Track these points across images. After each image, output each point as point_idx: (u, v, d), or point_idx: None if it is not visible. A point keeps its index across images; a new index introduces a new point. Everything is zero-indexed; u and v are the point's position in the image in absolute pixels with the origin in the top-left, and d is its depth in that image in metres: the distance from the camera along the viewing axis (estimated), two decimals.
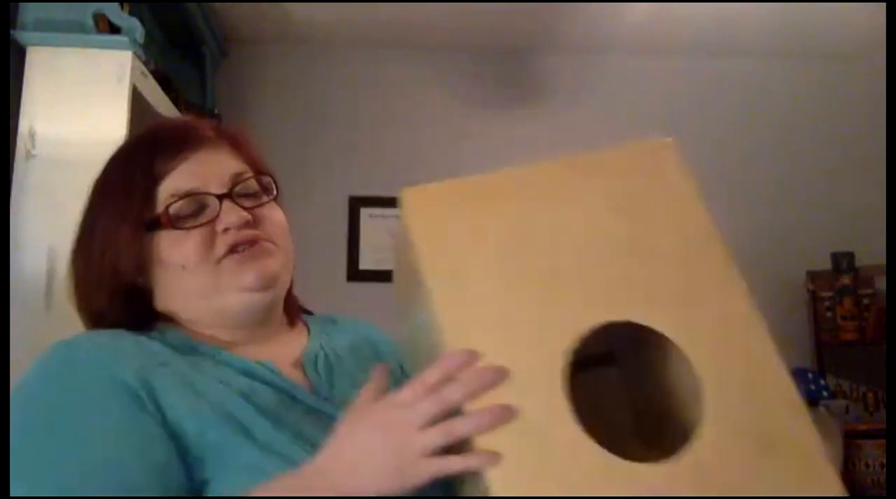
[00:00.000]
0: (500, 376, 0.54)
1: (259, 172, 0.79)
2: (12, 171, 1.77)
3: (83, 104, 1.83)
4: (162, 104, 2.14)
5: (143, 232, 0.73)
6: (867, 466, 2.61)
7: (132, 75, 1.87)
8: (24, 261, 1.72)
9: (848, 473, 2.60)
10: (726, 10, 2.96)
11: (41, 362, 0.67)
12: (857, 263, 2.97)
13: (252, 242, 0.73)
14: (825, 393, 2.81)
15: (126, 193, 0.74)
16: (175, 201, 0.72)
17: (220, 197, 0.73)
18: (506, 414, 0.53)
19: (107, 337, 0.70)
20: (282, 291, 0.78)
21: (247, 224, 0.73)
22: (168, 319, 0.76)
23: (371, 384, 0.61)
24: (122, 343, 0.68)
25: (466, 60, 3.31)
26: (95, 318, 0.76)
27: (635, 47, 3.28)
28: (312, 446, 0.61)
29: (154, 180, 0.73)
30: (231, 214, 0.73)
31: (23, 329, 1.65)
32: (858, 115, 3.30)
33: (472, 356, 0.55)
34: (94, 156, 1.99)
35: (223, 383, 0.68)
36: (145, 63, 1.99)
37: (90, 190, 0.79)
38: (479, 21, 3.05)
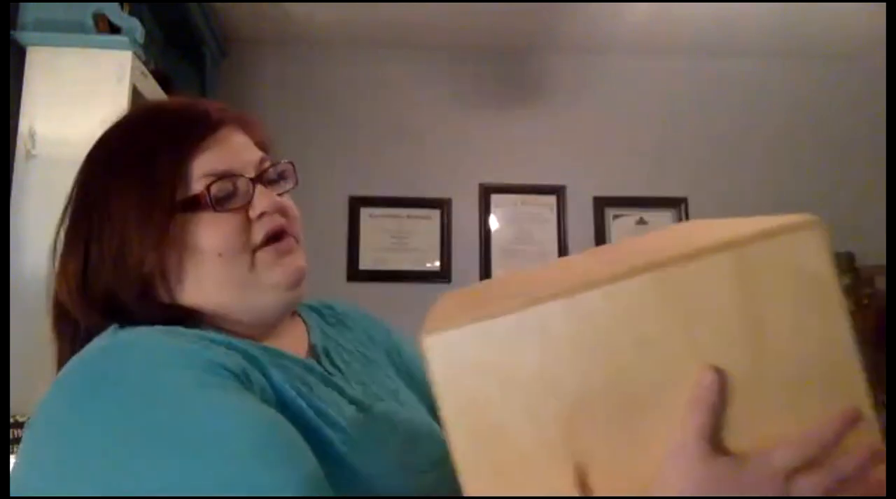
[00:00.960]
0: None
1: (269, 158, 0.75)
2: (12, 171, 1.77)
3: (83, 104, 1.83)
4: None
5: (176, 214, 0.65)
6: None
7: (132, 75, 1.87)
8: (24, 261, 1.72)
9: None
10: (726, 10, 2.96)
11: (103, 359, 0.57)
12: (857, 263, 2.97)
13: (282, 235, 0.70)
14: None
15: (151, 172, 0.66)
16: (214, 181, 0.66)
17: (254, 181, 0.69)
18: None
19: (166, 332, 0.61)
20: (304, 290, 0.74)
21: (279, 210, 0.70)
22: (190, 315, 0.68)
23: (695, 421, 0.48)
24: (187, 336, 0.62)
25: (466, 60, 3.31)
26: (107, 309, 0.66)
27: (635, 47, 3.28)
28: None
29: (185, 160, 0.67)
30: (266, 199, 0.69)
31: (23, 329, 1.65)
32: (858, 114, 3.30)
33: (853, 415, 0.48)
34: None
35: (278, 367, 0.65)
36: (145, 63, 1.99)
37: (88, 170, 0.71)
38: (479, 21, 3.05)
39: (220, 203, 0.66)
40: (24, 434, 0.57)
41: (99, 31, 1.91)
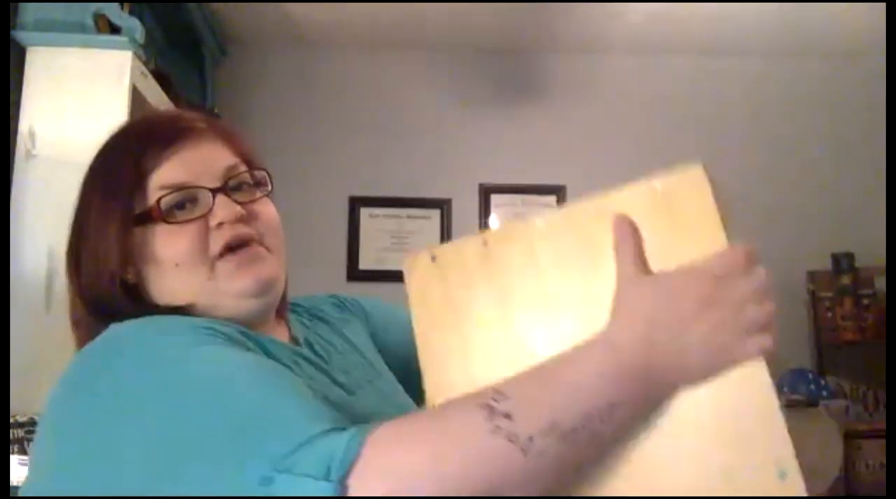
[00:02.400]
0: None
1: (251, 165, 0.75)
2: (12, 171, 1.77)
3: (83, 104, 1.83)
4: (162, 104, 2.14)
5: (131, 227, 0.69)
6: (867, 466, 2.61)
7: (132, 75, 1.87)
8: (24, 261, 1.72)
9: (848, 473, 2.60)
10: (726, 10, 2.96)
11: (113, 340, 0.61)
12: (857, 263, 2.97)
13: (246, 244, 0.70)
14: (825, 393, 2.81)
15: (114, 185, 0.70)
16: (166, 194, 0.68)
17: (214, 191, 0.70)
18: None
19: (161, 317, 0.66)
20: (278, 295, 0.75)
21: (241, 219, 0.70)
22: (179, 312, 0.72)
23: (626, 252, 0.56)
24: (182, 318, 0.66)
25: (466, 60, 3.31)
26: (100, 315, 0.70)
27: (635, 47, 3.28)
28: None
29: (143, 173, 0.69)
30: (225, 209, 0.69)
31: (23, 329, 1.65)
32: (858, 114, 3.30)
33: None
34: None
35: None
36: (145, 63, 2.00)
37: (81, 183, 0.75)
38: (480, 21, 3.05)
39: (171, 215, 0.68)
40: (39, 425, 0.62)
41: (99, 31, 1.91)
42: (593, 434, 0.49)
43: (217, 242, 0.69)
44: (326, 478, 0.44)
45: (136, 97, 1.91)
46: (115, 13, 1.92)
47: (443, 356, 0.61)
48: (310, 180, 3.08)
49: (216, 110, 2.86)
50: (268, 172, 0.76)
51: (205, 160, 0.71)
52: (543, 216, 0.61)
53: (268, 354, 0.65)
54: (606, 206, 0.59)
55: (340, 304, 0.91)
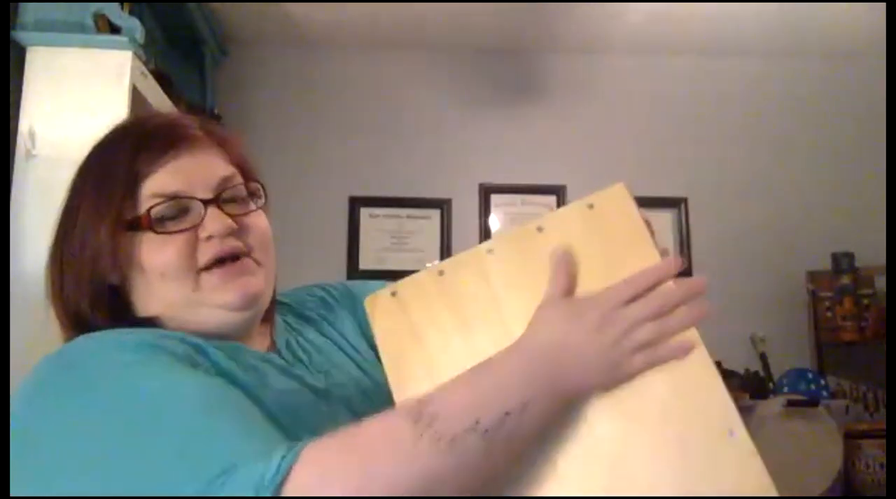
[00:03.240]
0: (698, 288, 0.60)
1: (247, 176, 0.75)
2: (12, 171, 1.77)
3: (83, 104, 1.83)
4: (162, 104, 2.14)
5: (122, 232, 0.68)
6: (867, 466, 2.60)
7: (132, 75, 1.87)
8: (24, 261, 1.72)
9: (848, 473, 2.60)
10: (726, 10, 2.96)
11: (62, 354, 0.62)
12: (857, 263, 2.97)
13: (235, 258, 0.70)
14: (825, 393, 2.81)
15: (106, 189, 0.69)
16: (158, 204, 0.67)
17: (206, 202, 0.69)
18: (705, 310, 0.59)
19: (121, 331, 0.66)
20: (263, 308, 0.75)
21: (231, 232, 0.69)
22: (152, 324, 0.71)
23: (558, 281, 0.63)
24: (142, 332, 0.66)
25: (466, 60, 3.31)
26: (75, 321, 0.70)
27: (635, 47, 3.28)
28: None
29: (136, 178, 0.68)
30: (216, 222, 0.68)
31: (23, 329, 1.65)
32: (858, 114, 3.30)
33: (673, 266, 0.61)
34: None
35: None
36: (145, 63, 1.99)
37: (70, 183, 0.74)
38: (480, 21, 3.05)
39: (160, 224, 0.67)
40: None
41: (99, 31, 1.91)
42: (511, 430, 0.53)
43: (205, 254, 0.69)
44: (259, 488, 0.46)
45: (136, 97, 1.90)
46: (115, 13, 1.92)
47: (413, 385, 0.63)
48: (310, 180, 3.08)
49: (216, 110, 2.86)
50: (262, 184, 0.75)
51: (199, 169, 0.70)
52: (491, 242, 0.68)
53: (219, 368, 0.64)
54: (547, 226, 0.67)
55: (327, 297, 0.89)
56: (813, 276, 3.07)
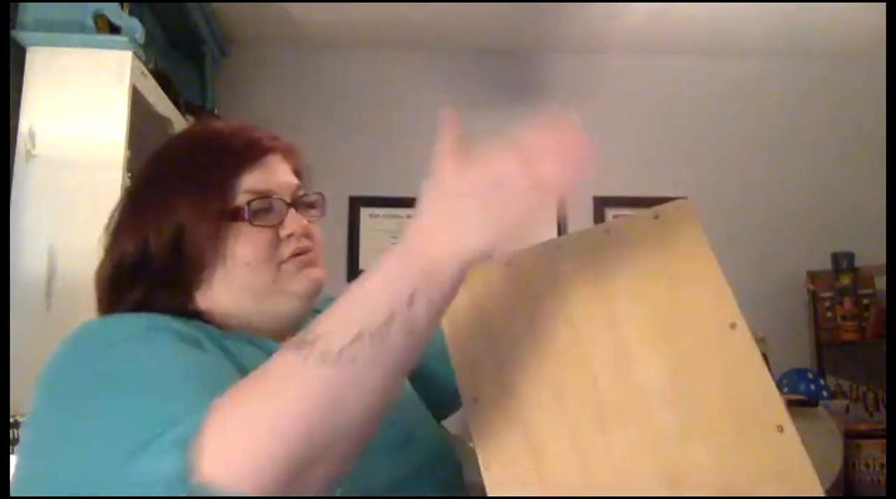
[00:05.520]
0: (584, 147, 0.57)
1: (305, 185, 0.84)
2: (12, 171, 1.77)
3: (83, 104, 1.83)
4: (162, 104, 2.14)
5: (221, 221, 0.74)
6: (867, 466, 2.60)
7: (132, 75, 1.87)
8: (24, 261, 1.72)
9: (848, 473, 2.60)
10: (726, 10, 2.96)
11: (82, 334, 0.66)
12: (857, 263, 2.97)
13: (307, 252, 0.78)
14: (825, 393, 2.81)
15: (208, 183, 0.75)
16: (255, 199, 0.75)
17: (288, 204, 0.78)
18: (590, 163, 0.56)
19: (148, 316, 0.70)
20: (316, 303, 0.81)
21: (305, 233, 0.78)
22: (199, 316, 0.76)
23: (447, 148, 0.63)
24: (167, 319, 0.70)
25: (466, 60, 3.31)
26: (123, 304, 0.74)
27: (635, 47, 3.28)
28: None
29: (235, 175, 0.76)
30: (296, 221, 0.78)
31: (23, 329, 1.65)
32: (858, 114, 3.30)
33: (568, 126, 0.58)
34: (94, 156, 2.00)
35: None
36: (145, 63, 2.00)
37: (153, 174, 0.80)
38: (479, 21, 3.06)
39: (255, 217, 0.75)
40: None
41: (99, 31, 1.91)
42: (405, 323, 0.52)
43: (286, 249, 0.77)
44: (176, 445, 0.48)
45: (136, 97, 1.91)
46: (115, 13, 1.92)
47: (477, 360, 0.66)
48: (310, 180, 3.08)
49: (216, 110, 2.86)
50: (323, 196, 0.86)
51: (282, 176, 0.79)
52: (562, 238, 0.71)
53: (225, 351, 0.69)
54: (614, 230, 0.69)
55: None
56: (813, 276, 3.07)
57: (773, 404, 0.60)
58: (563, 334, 0.65)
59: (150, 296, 0.74)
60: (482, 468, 0.61)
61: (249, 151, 0.78)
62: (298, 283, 0.76)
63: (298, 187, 0.82)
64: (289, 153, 0.83)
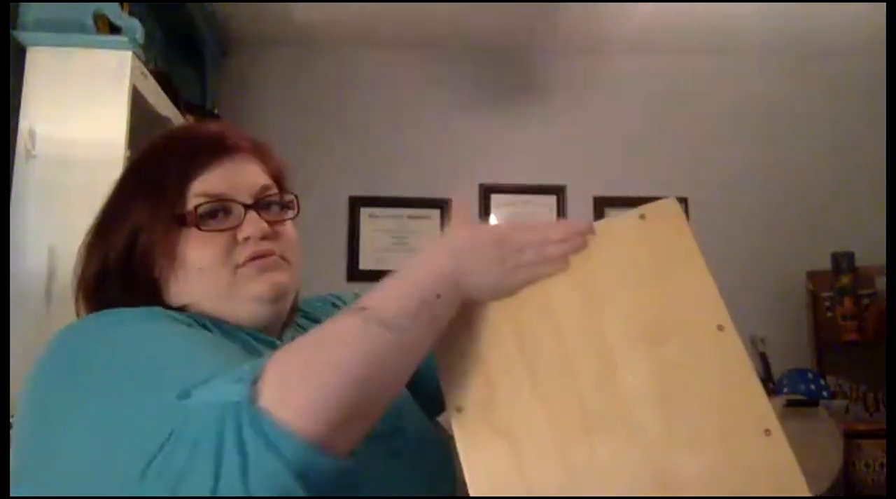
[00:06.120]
0: (579, 228, 0.69)
1: (282, 187, 0.82)
2: (12, 171, 1.77)
3: (83, 104, 1.83)
4: (162, 104, 2.14)
5: (174, 227, 0.73)
6: (867, 466, 2.60)
7: (132, 75, 1.87)
8: (24, 261, 1.72)
9: (848, 473, 2.60)
10: (726, 10, 2.96)
11: (81, 326, 0.68)
12: (857, 263, 2.97)
13: (267, 255, 0.76)
14: (825, 393, 2.81)
15: (160, 187, 0.75)
16: (204, 203, 0.74)
17: (246, 207, 0.76)
18: (588, 234, 0.68)
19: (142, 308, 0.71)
20: (287, 305, 0.81)
21: (266, 236, 0.75)
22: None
23: (461, 211, 0.79)
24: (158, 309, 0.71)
25: (466, 60, 3.31)
26: (103, 307, 0.74)
27: (636, 47, 3.28)
28: None
29: (187, 179, 0.74)
30: (253, 225, 0.75)
31: (23, 329, 1.65)
32: (858, 114, 3.30)
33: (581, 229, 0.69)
34: (94, 156, 1.99)
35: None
36: (145, 63, 1.99)
37: (121, 178, 0.80)
38: (479, 21, 3.05)
39: (204, 222, 0.73)
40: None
41: (99, 31, 1.91)
42: (431, 314, 0.62)
43: (242, 253, 0.75)
44: (238, 381, 0.51)
45: (136, 97, 1.90)
46: (115, 13, 1.92)
47: (463, 369, 0.67)
48: (310, 180, 3.07)
49: (216, 110, 2.86)
50: (296, 197, 0.83)
51: (243, 176, 0.77)
52: None
53: (226, 334, 0.71)
54: (599, 231, 0.70)
55: (339, 303, 0.95)
56: (813, 276, 3.07)
57: (761, 408, 0.60)
58: (548, 339, 0.65)
59: (123, 297, 0.74)
60: (465, 472, 0.61)
61: (208, 152, 0.76)
62: (256, 287, 0.75)
63: (266, 188, 0.79)
64: (259, 153, 0.81)
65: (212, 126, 0.83)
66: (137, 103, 1.91)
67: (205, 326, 0.71)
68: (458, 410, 0.64)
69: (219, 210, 0.74)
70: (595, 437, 0.60)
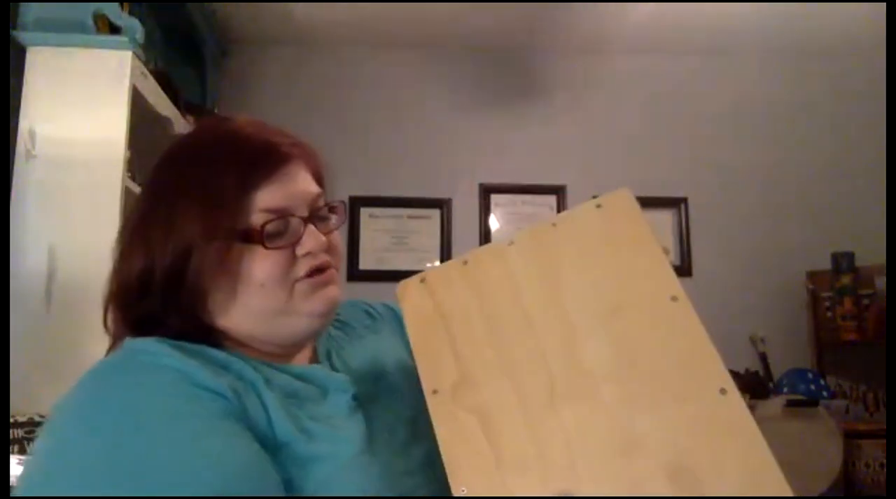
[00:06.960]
0: None
1: (322, 186, 0.80)
2: (12, 171, 1.77)
3: (83, 104, 1.83)
4: (162, 104, 2.14)
5: (235, 242, 0.69)
6: (867, 466, 2.61)
7: (132, 75, 1.87)
8: (24, 261, 1.72)
9: (848, 473, 2.60)
10: (726, 10, 2.96)
11: (110, 366, 0.63)
12: (857, 263, 2.97)
13: (325, 268, 0.74)
14: (825, 393, 2.81)
15: (216, 198, 0.70)
16: (271, 220, 0.70)
17: (304, 220, 0.73)
18: None
19: (179, 348, 0.66)
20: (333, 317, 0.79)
21: (323, 249, 0.74)
22: (214, 332, 0.73)
23: None
24: (197, 354, 0.66)
25: (466, 60, 3.31)
26: (141, 323, 0.70)
27: (636, 47, 3.29)
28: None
29: (246, 191, 0.70)
30: (313, 239, 0.73)
31: (23, 329, 1.65)
32: (858, 114, 3.31)
33: None
34: (94, 156, 1.99)
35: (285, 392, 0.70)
36: (145, 63, 2.00)
37: (159, 182, 0.74)
38: (479, 21, 3.06)
39: (271, 240, 0.70)
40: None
41: (99, 31, 1.91)
42: None
43: (301, 268, 0.72)
44: None
45: (136, 97, 1.91)
46: (115, 13, 1.92)
47: (438, 360, 0.69)
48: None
49: (216, 110, 2.86)
50: (345, 204, 0.80)
51: (297, 186, 0.74)
52: (513, 236, 0.75)
53: (264, 405, 0.65)
54: (560, 223, 0.75)
55: (371, 310, 0.94)
56: (813, 276, 3.07)
57: (715, 369, 0.63)
58: (516, 324, 0.69)
59: (158, 315, 0.70)
60: (441, 448, 0.64)
61: (266, 162, 0.72)
62: (312, 303, 0.73)
63: (319, 196, 0.76)
64: (306, 156, 0.78)
65: (255, 127, 0.77)
66: (137, 103, 1.91)
67: (252, 384, 0.66)
68: (434, 392, 0.67)
69: (282, 226, 0.71)
70: (561, 406, 0.64)
